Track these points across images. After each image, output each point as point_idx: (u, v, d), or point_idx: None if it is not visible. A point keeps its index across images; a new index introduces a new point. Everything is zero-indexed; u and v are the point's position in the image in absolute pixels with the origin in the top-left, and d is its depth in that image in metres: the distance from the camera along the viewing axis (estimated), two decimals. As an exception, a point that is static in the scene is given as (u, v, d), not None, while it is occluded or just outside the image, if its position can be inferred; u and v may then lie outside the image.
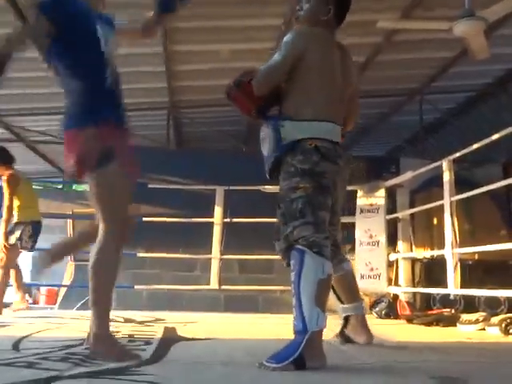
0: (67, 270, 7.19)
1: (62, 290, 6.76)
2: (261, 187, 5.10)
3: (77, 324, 3.22)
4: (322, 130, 1.99)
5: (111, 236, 1.86)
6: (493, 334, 3.17)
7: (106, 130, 1.84)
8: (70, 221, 7.49)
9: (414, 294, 4.91)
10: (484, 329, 3.34)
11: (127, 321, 3.58)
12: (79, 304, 6.06)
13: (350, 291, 2.36)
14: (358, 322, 2.34)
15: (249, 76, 2.08)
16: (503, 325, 3.09)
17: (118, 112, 1.95)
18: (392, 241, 4.95)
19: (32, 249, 4.58)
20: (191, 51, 5.21)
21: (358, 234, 5.07)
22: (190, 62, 5.44)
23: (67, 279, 6.96)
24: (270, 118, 2.08)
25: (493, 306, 4.90)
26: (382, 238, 4.69)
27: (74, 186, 12.32)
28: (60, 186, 11.35)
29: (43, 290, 8.21)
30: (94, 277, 1.83)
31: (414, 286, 4.91)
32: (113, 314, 4.03)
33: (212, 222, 5.00)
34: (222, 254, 4.94)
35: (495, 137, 3.71)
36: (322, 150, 1.96)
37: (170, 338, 2.54)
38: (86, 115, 1.84)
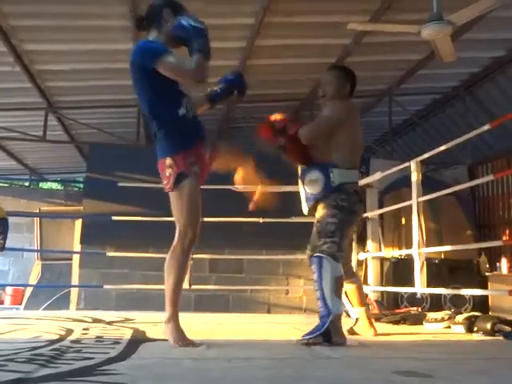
0: (34, 269, 7.05)
1: (29, 290, 6.62)
2: (232, 187, 5.10)
3: (43, 325, 3.16)
4: (355, 176, 2.75)
5: (184, 241, 2.36)
6: (457, 331, 3.25)
7: (193, 152, 2.28)
8: (37, 219, 7.34)
9: (383, 292, 5.00)
10: (449, 327, 3.42)
11: (96, 321, 3.53)
12: (46, 304, 5.95)
13: (362, 297, 3.00)
14: (367, 320, 2.95)
15: (280, 123, 2.71)
16: (467, 323, 3.18)
17: (198, 132, 2.35)
18: (361, 240, 5.02)
19: (3, 248, 4.46)
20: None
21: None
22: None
23: (34, 279, 6.82)
24: (321, 165, 2.68)
25: (458, 304, 5.04)
26: (352, 238, 4.74)
27: (41, 184, 12.11)
28: (27, 184, 11.12)
29: (9, 289, 8.01)
30: (167, 276, 2.30)
31: (382, 285, 5.00)
32: (81, 314, 3.98)
33: (182, 221, 4.96)
34: (192, 253, 4.91)
35: (461, 139, 3.80)
36: (359, 194, 2.70)
37: (140, 338, 2.52)
38: (176, 143, 2.27)
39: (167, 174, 2.26)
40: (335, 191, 2.62)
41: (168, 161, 2.25)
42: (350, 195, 2.64)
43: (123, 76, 5.77)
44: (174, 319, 2.23)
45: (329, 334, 2.39)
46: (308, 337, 2.40)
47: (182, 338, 2.17)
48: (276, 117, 2.74)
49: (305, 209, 2.80)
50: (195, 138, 2.31)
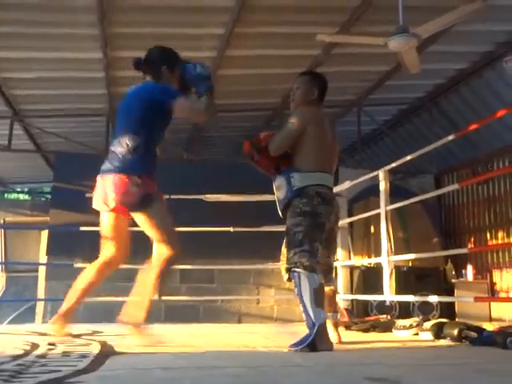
0: (-2, 282, 6.86)
1: (-8, 304, 6.43)
2: (203, 196, 5.09)
3: (7, 340, 3.07)
4: (321, 179, 2.77)
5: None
6: (425, 338, 3.30)
7: (145, 179, 2.61)
8: (1, 230, 7.16)
9: (352, 301, 5.04)
10: (418, 333, 3.47)
11: (62, 334, 3.44)
12: (10, 318, 5.79)
13: (331, 303, 3.00)
14: (332, 327, 2.96)
15: (261, 141, 2.86)
16: (435, 329, 3.23)
17: (152, 168, 2.71)
18: (331, 249, 5.05)
19: None
20: (131, 57, 5.12)
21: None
22: (129, 68, 5.33)
23: (-3, 292, 6.64)
24: (284, 172, 2.80)
25: (426, 311, 5.12)
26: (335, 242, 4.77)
27: (6, 195, 11.83)
28: (-9, 194, 10.84)
29: (-29, 303, 7.75)
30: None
31: (352, 293, 5.04)
32: (47, 327, 3.87)
33: (152, 231, 4.91)
34: (162, 263, 4.85)
35: (427, 149, 3.88)
36: (322, 195, 2.72)
37: (108, 351, 2.47)
38: (137, 166, 2.59)
39: (132, 190, 2.55)
40: (297, 195, 2.71)
41: (135, 179, 2.56)
42: (312, 197, 2.69)
43: (91, 85, 5.72)
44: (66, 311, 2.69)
45: (314, 344, 2.50)
46: (295, 348, 2.51)
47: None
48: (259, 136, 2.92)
49: (280, 214, 2.89)
50: (153, 170, 2.72)
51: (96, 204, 2.72)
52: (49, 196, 10.41)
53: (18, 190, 11.80)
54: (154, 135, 2.69)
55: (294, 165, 2.78)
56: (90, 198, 5.32)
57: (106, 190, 2.63)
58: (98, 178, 2.69)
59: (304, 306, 2.59)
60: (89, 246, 5.32)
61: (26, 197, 12.38)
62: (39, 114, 6.53)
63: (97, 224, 5.18)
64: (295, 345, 2.54)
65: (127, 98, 2.77)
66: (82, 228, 4.76)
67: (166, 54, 2.81)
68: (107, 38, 4.65)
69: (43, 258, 5.72)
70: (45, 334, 3.39)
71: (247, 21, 4.50)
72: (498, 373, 1.95)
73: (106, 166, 2.66)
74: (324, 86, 2.97)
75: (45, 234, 5.81)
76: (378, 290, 4.25)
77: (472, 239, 6.46)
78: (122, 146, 2.61)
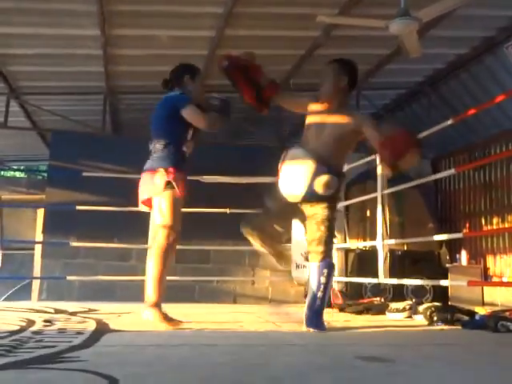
0: (-6, 259, 6.87)
1: (-12, 281, 6.45)
2: (200, 177, 5.07)
3: (3, 316, 3.09)
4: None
5: (168, 238, 2.85)
6: (418, 321, 3.34)
7: (181, 173, 2.96)
8: (-3, 208, 7.16)
9: (347, 283, 5.08)
10: (411, 316, 3.51)
11: (58, 312, 3.47)
12: (6, 295, 5.82)
13: None
14: None
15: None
16: (428, 313, 3.27)
17: (184, 165, 3.04)
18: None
19: None
20: (130, 35, 5.07)
21: (295, 224, 5.13)
22: (128, 46, 5.30)
23: (-6, 269, 6.66)
24: (336, 171, 2.87)
25: (419, 294, 5.16)
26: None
27: (2, 172, 11.79)
28: (-13, 172, 10.80)
29: (-33, 280, 7.78)
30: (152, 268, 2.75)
31: (346, 275, 5.07)
32: (43, 304, 3.91)
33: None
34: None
35: (425, 133, 3.88)
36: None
37: (103, 328, 2.49)
38: (173, 161, 2.96)
39: (157, 180, 2.87)
40: (336, 193, 2.89)
41: (161, 170, 2.88)
42: (339, 193, 3.02)
43: (88, 63, 5.66)
44: (158, 305, 2.63)
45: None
46: (317, 329, 2.63)
47: (166, 320, 2.56)
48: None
49: (298, 196, 2.82)
50: (185, 167, 3.01)
51: None
52: (45, 174, 10.39)
53: (14, 167, 11.76)
54: (183, 137, 3.05)
55: (342, 166, 3.07)
56: (87, 177, 5.34)
57: None
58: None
59: (325, 294, 2.76)
60: (84, 225, 5.37)
61: (22, 175, 12.35)
62: (36, 91, 6.47)
63: (93, 203, 5.19)
64: (314, 325, 2.65)
65: (157, 109, 3.12)
66: (78, 207, 4.76)
67: (187, 65, 3.26)
68: (105, 15, 4.59)
69: (39, 236, 5.73)
70: (41, 311, 3.42)
71: (247, 0, 4.44)
72: (487, 353, 1.98)
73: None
74: (355, 74, 3.02)
75: (41, 211, 5.82)
76: (373, 273, 4.28)
77: (467, 224, 6.50)
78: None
